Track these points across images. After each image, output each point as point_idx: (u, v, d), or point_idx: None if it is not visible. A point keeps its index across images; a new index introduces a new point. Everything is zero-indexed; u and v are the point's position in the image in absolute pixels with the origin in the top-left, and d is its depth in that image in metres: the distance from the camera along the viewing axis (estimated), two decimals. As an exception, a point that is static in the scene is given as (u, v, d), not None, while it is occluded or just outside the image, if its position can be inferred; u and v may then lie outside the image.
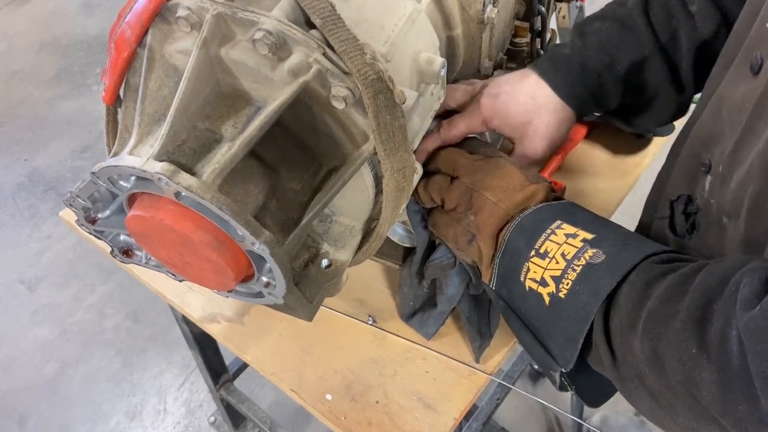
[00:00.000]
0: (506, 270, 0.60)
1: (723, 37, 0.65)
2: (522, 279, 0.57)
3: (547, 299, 0.55)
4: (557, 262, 0.55)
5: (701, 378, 0.42)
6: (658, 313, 0.47)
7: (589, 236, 0.55)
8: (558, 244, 0.56)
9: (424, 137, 0.69)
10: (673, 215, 0.62)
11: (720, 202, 0.54)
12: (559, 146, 0.90)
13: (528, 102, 0.70)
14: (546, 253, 0.56)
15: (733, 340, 0.40)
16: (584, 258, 0.53)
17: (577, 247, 0.54)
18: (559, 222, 0.57)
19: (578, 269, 0.53)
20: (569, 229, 0.56)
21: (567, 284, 0.53)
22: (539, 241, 0.57)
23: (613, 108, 0.75)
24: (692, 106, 0.75)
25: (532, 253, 0.57)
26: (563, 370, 0.56)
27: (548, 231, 0.57)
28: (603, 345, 0.52)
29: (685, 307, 0.45)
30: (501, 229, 0.61)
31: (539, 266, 0.56)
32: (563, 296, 0.54)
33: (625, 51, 0.69)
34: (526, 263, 0.57)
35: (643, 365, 0.48)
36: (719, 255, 0.53)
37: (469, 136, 0.73)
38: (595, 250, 0.53)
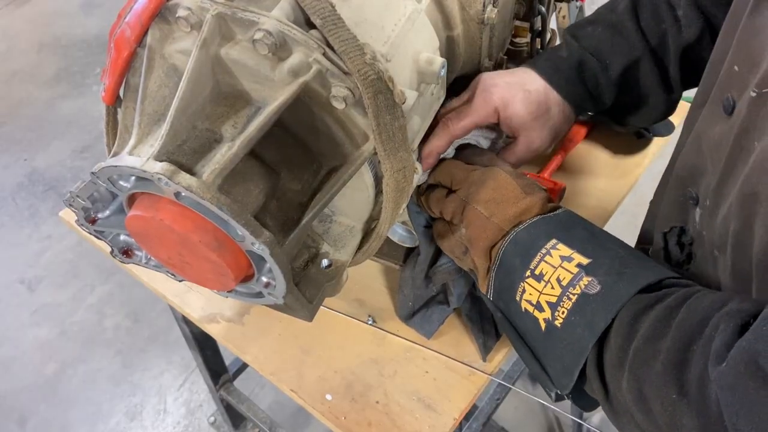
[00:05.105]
0: (502, 285, 0.60)
1: (706, 42, 0.68)
2: (518, 299, 0.57)
3: (543, 325, 0.55)
4: (553, 287, 0.54)
5: (682, 424, 0.43)
6: (642, 353, 0.47)
7: (585, 261, 0.55)
8: (553, 267, 0.55)
9: (431, 136, 0.69)
10: (667, 247, 0.63)
11: (710, 235, 0.54)
12: (559, 143, 0.91)
13: (539, 95, 0.71)
14: (541, 275, 0.56)
15: (711, 387, 0.40)
16: (579, 287, 0.53)
17: (572, 273, 0.54)
18: (554, 241, 0.57)
19: (574, 298, 0.53)
20: (564, 250, 0.56)
21: (563, 313, 0.53)
22: (534, 261, 0.56)
23: (608, 106, 0.76)
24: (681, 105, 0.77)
25: (527, 273, 0.56)
26: (559, 392, 0.56)
27: (543, 251, 0.57)
28: (596, 380, 0.52)
29: (666, 348, 0.45)
30: (495, 244, 0.60)
31: (535, 289, 0.56)
32: (559, 325, 0.54)
33: (617, 55, 0.72)
34: (522, 283, 0.57)
35: (630, 404, 0.48)
36: (716, 284, 0.54)
37: (465, 143, 0.73)
38: (590, 279, 0.53)
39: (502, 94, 0.70)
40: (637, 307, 0.50)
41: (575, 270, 0.54)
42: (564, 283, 0.54)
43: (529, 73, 0.73)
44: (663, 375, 0.44)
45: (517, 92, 0.71)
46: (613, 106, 0.76)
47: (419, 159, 0.68)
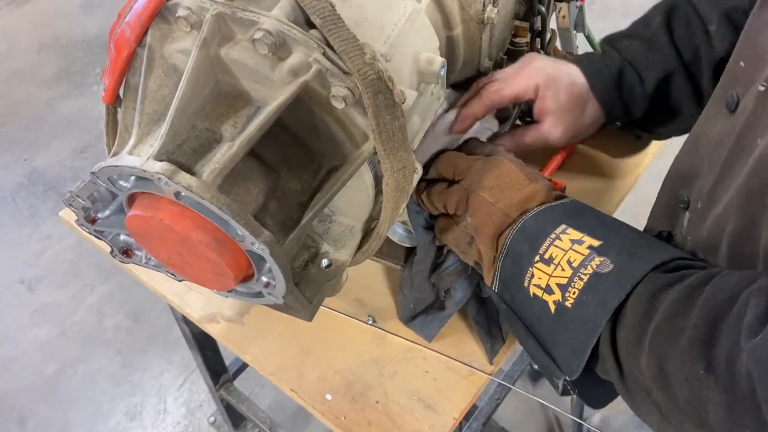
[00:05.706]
0: (508, 274, 0.59)
1: None
2: (526, 284, 0.56)
3: (552, 307, 0.54)
4: (563, 270, 0.54)
5: (708, 399, 0.42)
6: (665, 330, 0.46)
7: (596, 243, 0.54)
8: (563, 250, 0.55)
9: (469, 101, 0.71)
10: None
11: (695, 239, 0.54)
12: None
13: (582, 90, 0.73)
14: (551, 259, 0.55)
15: (741, 363, 0.40)
16: (591, 266, 0.52)
17: (583, 255, 0.54)
18: (563, 226, 0.56)
19: (585, 278, 0.52)
20: (574, 234, 0.55)
21: (574, 293, 0.53)
22: (543, 246, 0.56)
23: (636, 118, 0.77)
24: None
25: (536, 258, 0.56)
26: (567, 378, 0.56)
27: (552, 236, 0.56)
28: (610, 358, 0.51)
29: (692, 325, 0.44)
30: (502, 232, 0.60)
31: (544, 272, 0.55)
32: (570, 306, 0.53)
33: (651, 68, 0.73)
34: (530, 268, 0.56)
35: (649, 382, 0.48)
36: None
37: (465, 139, 0.73)
38: (602, 259, 0.52)
39: (549, 74, 0.72)
40: (655, 285, 0.49)
41: (586, 252, 0.54)
42: (575, 265, 0.53)
43: (574, 68, 0.74)
44: (689, 351, 0.44)
45: (564, 78, 0.72)
46: (645, 117, 0.77)
47: (456, 121, 0.70)
